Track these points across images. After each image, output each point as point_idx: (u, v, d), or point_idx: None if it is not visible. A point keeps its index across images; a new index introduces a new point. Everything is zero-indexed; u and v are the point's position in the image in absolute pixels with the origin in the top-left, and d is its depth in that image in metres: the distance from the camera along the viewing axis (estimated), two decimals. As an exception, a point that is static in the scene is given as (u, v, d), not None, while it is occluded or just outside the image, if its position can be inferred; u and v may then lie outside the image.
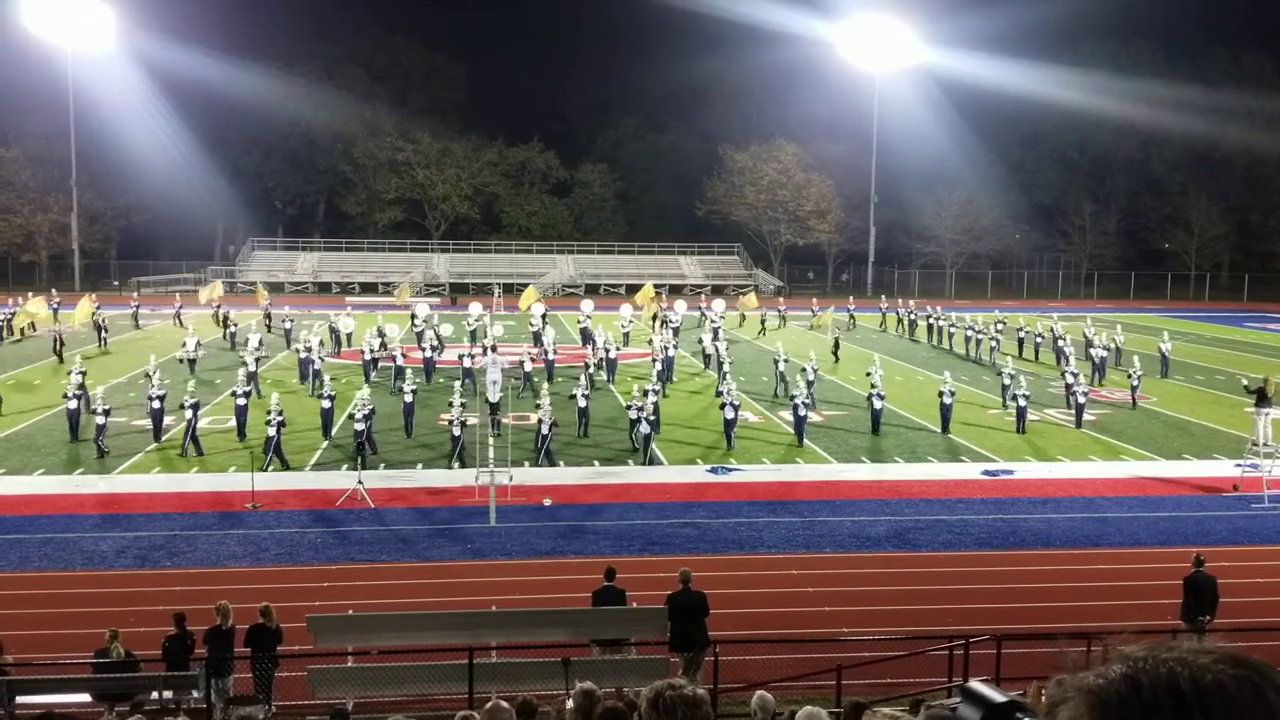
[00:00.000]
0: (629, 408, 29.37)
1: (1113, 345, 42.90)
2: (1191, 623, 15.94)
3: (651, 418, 28.25)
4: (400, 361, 36.90)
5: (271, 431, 26.67)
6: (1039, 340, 45.88)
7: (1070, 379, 33.87)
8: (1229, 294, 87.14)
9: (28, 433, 29.41)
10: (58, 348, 42.94)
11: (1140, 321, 57.67)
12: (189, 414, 28.15)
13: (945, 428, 31.52)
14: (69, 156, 74.99)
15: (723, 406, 30.31)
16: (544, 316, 47.65)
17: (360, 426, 26.74)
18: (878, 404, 31.50)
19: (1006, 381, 34.68)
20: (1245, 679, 1.38)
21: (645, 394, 29.17)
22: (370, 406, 27.78)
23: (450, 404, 28.52)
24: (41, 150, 76.49)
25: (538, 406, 28.49)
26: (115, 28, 72.91)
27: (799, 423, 30.12)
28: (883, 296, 61.49)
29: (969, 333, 47.66)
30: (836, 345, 45.22)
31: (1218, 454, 29.84)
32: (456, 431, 27.52)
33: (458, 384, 31.77)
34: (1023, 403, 31.88)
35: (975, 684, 1.72)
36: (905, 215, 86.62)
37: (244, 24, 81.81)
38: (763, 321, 54.88)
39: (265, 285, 67.87)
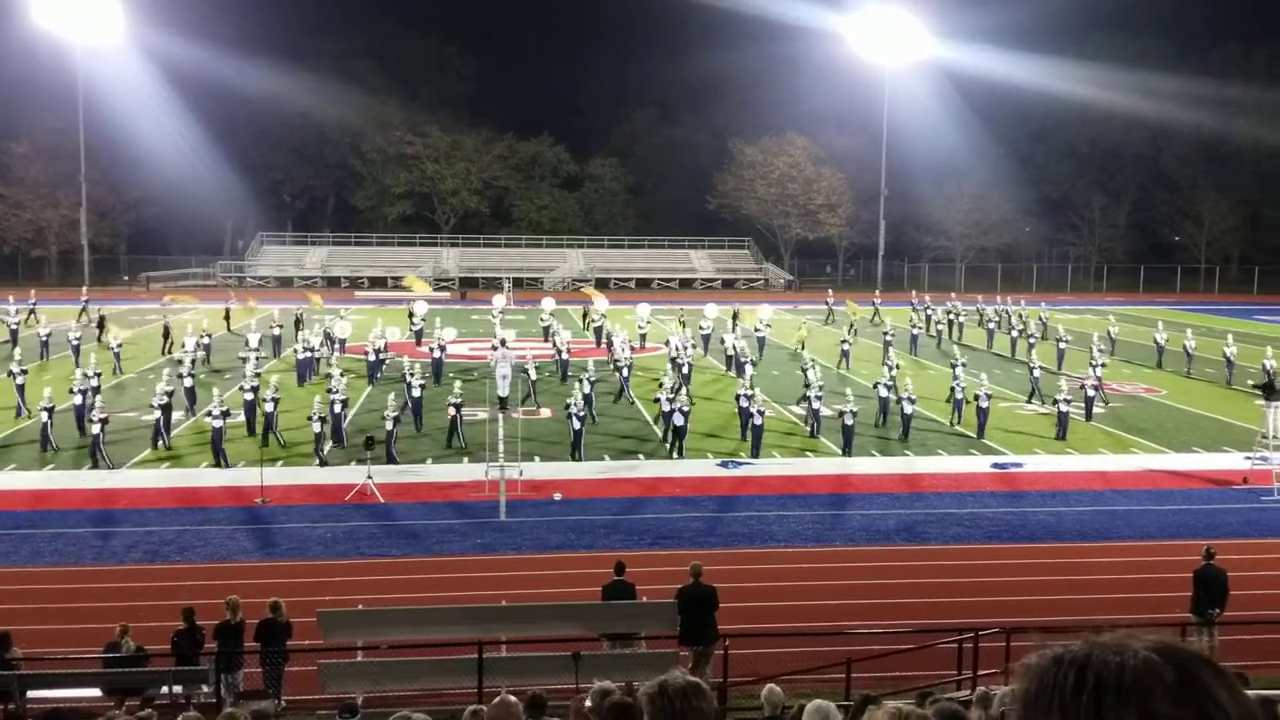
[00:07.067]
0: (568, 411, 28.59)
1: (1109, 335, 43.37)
2: (1202, 616, 15.87)
3: (582, 413, 27.97)
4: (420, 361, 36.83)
5: (96, 429, 26.46)
6: (1033, 339, 45.39)
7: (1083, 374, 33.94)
8: (1239, 287, 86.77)
9: (38, 428, 29.38)
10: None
11: (1152, 315, 57.49)
12: None
13: (981, 433, 30.22)
14: (78, 151, 75.09)
15: (671, 412, 28.40)
16: (585, 315, 47.31)
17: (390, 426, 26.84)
18: (908, 408, 30.12)
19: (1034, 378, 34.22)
20: (1148, 664, 1.49)
21: (586, 396, 28.91)
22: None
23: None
24: (51, 145, 76.45)
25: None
26: (124, 22, 72.90)
27: (847, 432, 28.57)
28: (936, 295, 60.82)
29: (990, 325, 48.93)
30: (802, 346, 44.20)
31: (1228, 447, 29.78)
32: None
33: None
34: (1065, 408, 30.59)
35: None
36: (915, 209, 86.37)
37: (253, 17, 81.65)
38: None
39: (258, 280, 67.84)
